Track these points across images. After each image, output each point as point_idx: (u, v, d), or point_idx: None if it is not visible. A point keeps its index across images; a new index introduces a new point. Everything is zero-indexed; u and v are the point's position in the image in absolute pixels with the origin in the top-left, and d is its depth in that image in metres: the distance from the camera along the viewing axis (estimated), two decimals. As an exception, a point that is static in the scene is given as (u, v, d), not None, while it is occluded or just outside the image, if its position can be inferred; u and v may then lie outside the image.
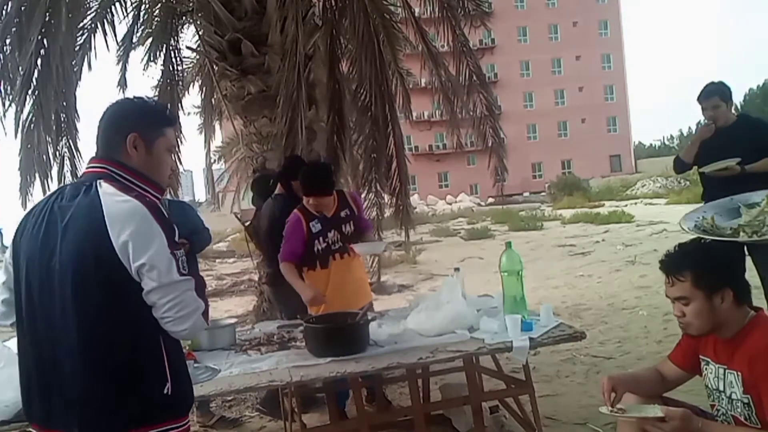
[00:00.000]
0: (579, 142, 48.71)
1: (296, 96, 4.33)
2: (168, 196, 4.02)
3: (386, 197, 5.78)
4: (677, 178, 23.66)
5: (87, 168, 1.68)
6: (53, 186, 5.32)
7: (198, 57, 6.87)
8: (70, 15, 5.02)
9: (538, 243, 13.14)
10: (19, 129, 5.03)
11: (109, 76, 7.04)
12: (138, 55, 6.73)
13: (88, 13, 5.84)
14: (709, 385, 2.03)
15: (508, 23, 44.14)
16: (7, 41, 4.93)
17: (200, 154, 9.32)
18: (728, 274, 1.94)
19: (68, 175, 5.45)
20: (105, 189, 1.54)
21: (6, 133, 4.95)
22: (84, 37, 5.83)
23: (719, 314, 1.90)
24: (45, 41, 4.79)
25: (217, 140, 10.25)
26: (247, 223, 5.46)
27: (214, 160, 10.32)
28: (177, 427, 1.60)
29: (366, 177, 5.84)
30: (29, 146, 5.31)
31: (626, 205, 20.58)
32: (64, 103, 5.25)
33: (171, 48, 6.24)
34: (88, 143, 6.60)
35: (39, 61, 4.80)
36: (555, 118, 49.98)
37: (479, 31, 6.82)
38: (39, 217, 1.60)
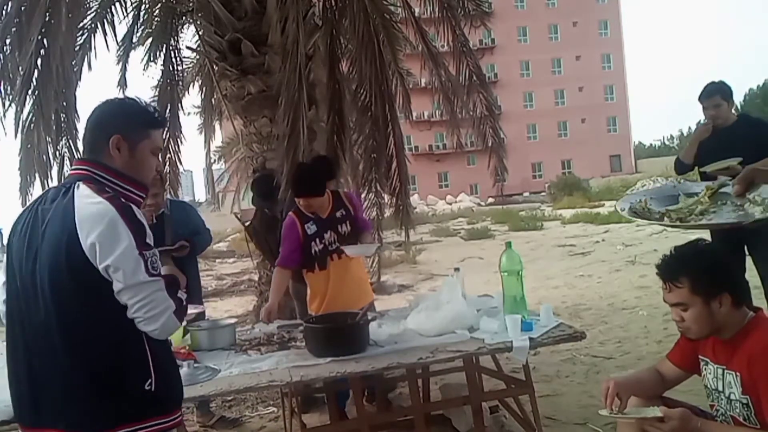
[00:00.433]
0: (579, 142, 48.71)
1: (298, 96, 4.32)
2: (168, 197, 4.02)
3: (386, 197, 5.77)
4: (677, 179, 23.59)
5: (71, 170, 1.73)
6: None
7: (198, 57, 6.87)
8: (70, 15, 5.02)
9: (538, 243, 13.14)
10: (19, 129, 5.03)
11: (109, 76, 7.05)
12: (138, 55, 6.75)
13: (88, 13, 5.84)
14: (708, 386, 2.03)
15: (508, 23, 44.11)
16: (7, 41, 4.93)
17: (200, 154, 9.34)
18: (726, 279, 1.91)
19: (68, 175, 5.44)
20: (81, 191, 1.57)
21: (6, 133, 4.96)
22: (84, 37, 5.84)
23: (718, 319, 1.89)
24: (45, 41, 4.79)
25: (217, 140, 10.27)
26: (247, 223, 5.46)
27: (214, 160, 10.34)
28: (165, 422, 1.63)
29: (366, 177, 5.83)
30: (29, 146, 5.31)
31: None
32: (64, 103, 5.25)
33: (171, 48, 6.24)
34: (88, 143, 6.59)
35: (39, 61, 4.79)
36: (555, 118, 49.98)
37: (479, 31, 6.81)
38: (26, 220, 1.65)
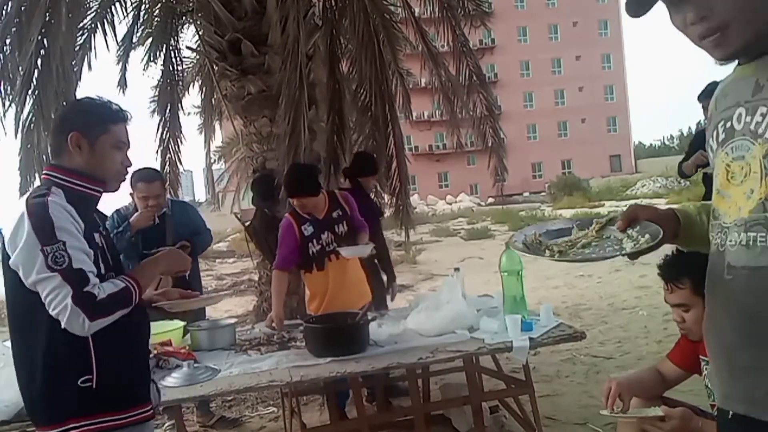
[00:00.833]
0: (579, 142, 48.71)
1: (298, 96, 4.32)
2: (169, 197, 4.03)
3: (386, 197, 5.77)
4: (677, 178, 23.66)
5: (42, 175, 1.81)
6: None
7: (198, 57, 6.87)
8: (70, 15, 5.01)
9: (538, 243, 13.11)
10: (19, 129, 5.03)
11: (109, 76, 7.05)
12: (138, 55, 6.75)
13: (88, 13, 5.84)
14: (709, 385, 2.03)
15: (508, 23, 44.11)
16: (7, 41, 4.93)
17: (200, 154, 9.32)
18: None
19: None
20: (30, 192, 1.68)
21: (6, 133, 4.95)
22: (84, 37, 5.83)
23: None
24: (45, 41, 4.79)
25: (217, 140, 10.26)
26: (247, 223, 5.46)
27: (214, 160, 10.33)
28: (116, 420, 1.64)
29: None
30: (29, 146, 5.30)
31: (626, 205, 20.23)
32: (64, 103, 5.24)
33: (171, 48, 6.24)
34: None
35: (39, 61, 4.79)
36: (555, 118, 49.97)
37: (479, 31, 6.82)
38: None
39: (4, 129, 4.94)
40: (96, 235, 1.69)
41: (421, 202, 32.81)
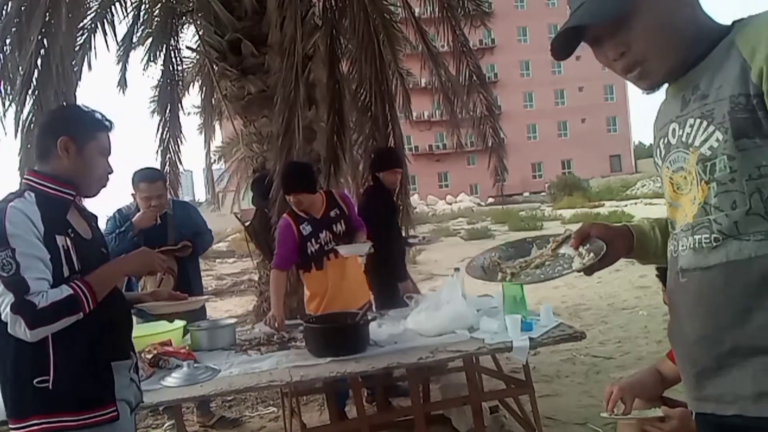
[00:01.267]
0: (579, 142, 48.71)
1: (294, 95, 4.32)
2: (170, 197, 4.03)
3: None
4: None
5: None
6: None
7: (198, 57, 6.87)
8: (70, 15, 5.02)
9: (538, 243, 13.12)
10: (19, 129, 5.03)
11: (109, 76, 7.06)
12: (138, 55, 6.76)
13: (88, 13, 5.84)
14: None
15: (508, 23, 44.12)
16: (7, 41, 4.93)
17: (200, 154, 9.33)
18: None
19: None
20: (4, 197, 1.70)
21: (6, 133, 4.95)
22: (84, 37, 5.84)
23: None
24: (45, 41, 4.79)
25: (217, 140, 10.25)
26: (247, 223, 5.46)
27: (214, 160, 10.30)
28: (73, 420, 1.67)
29: (366, 177, 5.83)
30: (29, 146, 5.29)
31: (626, 206, 20.59)
32: (64, 103, 5.25)
33: (171, 48, 6.25)
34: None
35: (39, 61, 4.79)
36: (555, 118, 49.98)
37: (479, 31, 6.83)
38: None
39: (4, 129, 4.95)
40: (60, 238, 1.67)
41: (421, 202, 32.81)
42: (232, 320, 3.42)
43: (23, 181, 1.78)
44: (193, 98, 14.86)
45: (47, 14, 4.71)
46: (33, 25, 4.68)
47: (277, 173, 4.14)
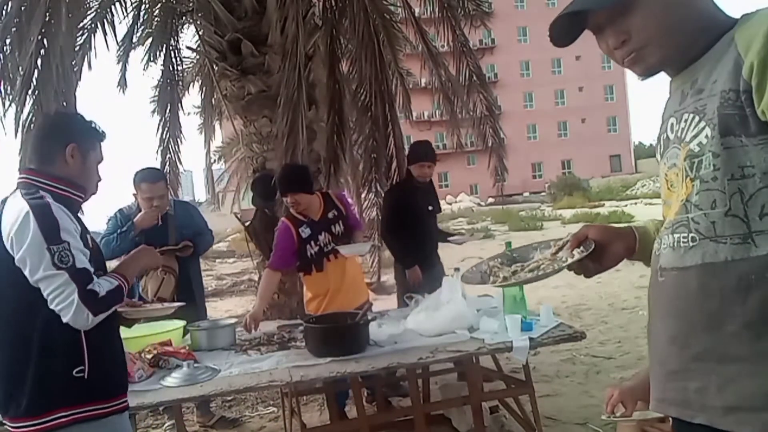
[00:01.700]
0: (579, 142, 48.71)
1: (297, 96, 4.32)
2: (171, 197, 4.03)
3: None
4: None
5: (18, 178, 1.87)
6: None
7: (198, 57, 6.87)
8: (70, 15, 5.01)
9: (538, 243, 13.12)
10: (19, 129, 5.03)
11: (109, 76, 7.06)
12: (138, 55, 6.76)
13: (88, 13, 5.84)
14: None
15: (508, 23, 44.10)
16: (7, 41, 4.93)
17: (200, 154, 9.34)
18: None
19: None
20: (14, 194, 1.76)
21: (6, 133, 4.95)
22: (84, 37, 5.84)
23: None
24: (45, 41, 4.79)
25: (217, 140, 10.25)
26: (247, 223, 5.46)
27: (214, 160, 10.31)
28: (103, 408, 1.75)
29: (366, 177, 5.84)
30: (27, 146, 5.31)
31: (626, 206, 20.60)
32: (65, 103, 5.24)
33: (171, 48, 6.24)
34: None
35: (39, 61, 4.79)
36: (555, 118, 49.96)
37: (479, 31, 6.82)
38: None
39: (4, 129, 4.95)
40: (88, 237, 1.80)
41: (421, 202, 32.74)
42: (232, 320, 3.41)
43: (23, 179, 1.81)
44: (193, 98, 14.86)
45: (47, 14, 4.71)
46: (33, 25, 4.68)
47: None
